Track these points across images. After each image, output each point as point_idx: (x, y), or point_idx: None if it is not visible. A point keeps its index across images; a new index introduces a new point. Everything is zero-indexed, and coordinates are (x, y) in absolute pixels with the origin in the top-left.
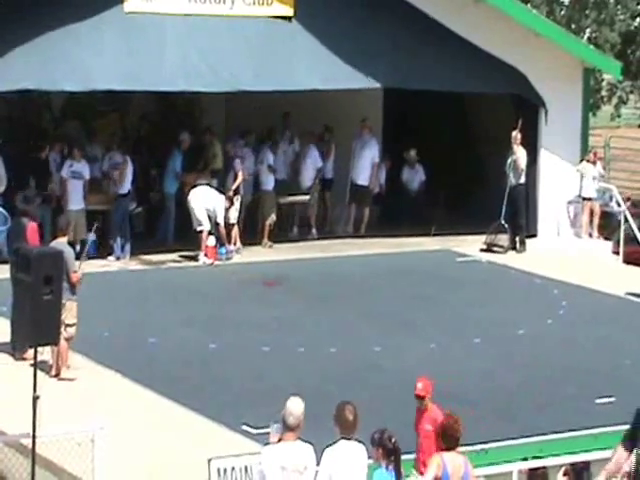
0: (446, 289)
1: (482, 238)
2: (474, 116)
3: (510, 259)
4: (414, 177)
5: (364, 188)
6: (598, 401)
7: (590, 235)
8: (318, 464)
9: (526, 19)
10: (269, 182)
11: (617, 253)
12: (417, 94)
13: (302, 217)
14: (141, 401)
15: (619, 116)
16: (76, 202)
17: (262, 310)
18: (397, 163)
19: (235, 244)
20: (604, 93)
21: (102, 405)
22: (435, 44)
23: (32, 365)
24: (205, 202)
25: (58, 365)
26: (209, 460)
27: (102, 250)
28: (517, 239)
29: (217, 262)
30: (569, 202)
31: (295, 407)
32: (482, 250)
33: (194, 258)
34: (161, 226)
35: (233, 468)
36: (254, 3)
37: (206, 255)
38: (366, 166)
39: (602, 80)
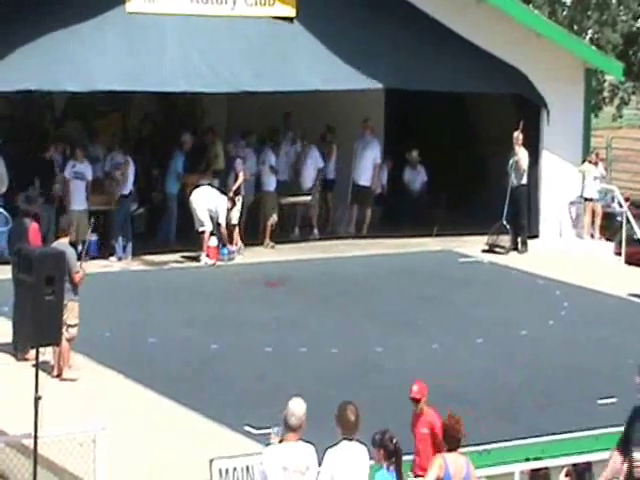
0: (448, 290)
1: (484, 239)
2: (476, 117)
3: (512, 260)
4: (416, 178)
5: (366, 189)
6: (600, 402)
7: (592, 236)
8: (320, 465)
9: (528, 19)
10: (271, 183)
11: (619, 254)
12: (419, 95)
13: (304, 218)
14: (142, 401)
15: (621, 117)
16: (78, 202)
17: (264, 310)
18: (399, 164)
19: (237, 244)
20: (606, 94)
21: (104, 405)
22: (436, 44)
23: (34, 366)
24: (207, 203)
25: (60, 365)
26: (211, 460)
27: (104, 250)
28: (519, 240)
29: (219, 262)
30: (571, 203)
31: (297, 408)
32: (484, 251)
33: (196, 259)
34: (163, 226)
35: (235, 468)
36: (256, 4)
37: (208, 255)
38: (368, 167)
39: (604, 81)
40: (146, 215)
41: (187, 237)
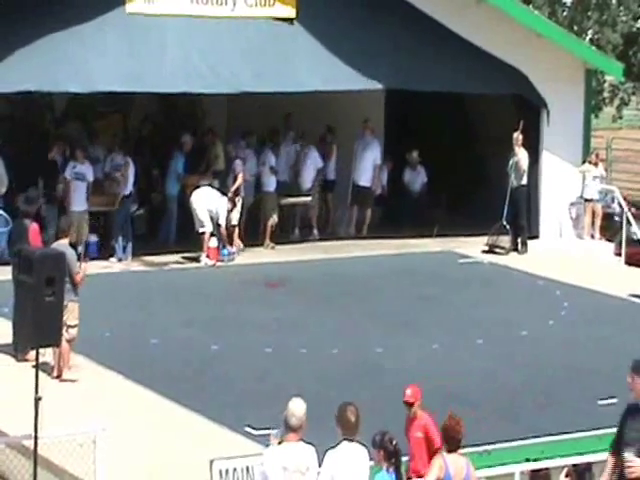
0: (448, 290)
1: (484, 239)
2: (476, 117)
3: (512, 260)
4: (416, 178)
5: (366, 189)
6: (600, 402)
7: (592, 236)
8: (320, 465)
9: (528, 20)
10: (271, 183)
11: (619, 254)
12: (419, 95)
13: (303, 218)
14: (143, 402)
15: (621, 117)
16: (79, 203)
17: (264, 311)
18: (399, 164)
19: (237, 245)
20: (606, 94)
21: (104, 406)
22: (436, 45)
23: (34, 366)
24: (207, 203)
25: (60, 366)
26: (211, 461)
27: (104, 251)
28: (519, 240)
29: (219, 263)
30: (571, 203)
31: (297, 408)
32: (484, 251)
33: (196, 259)
34: (163, 227)
35: (235, 469)
36: (256, 4)
37: (208, 256)
38: (368, 167)
39: (604, 81)
40: (146, 216)
41: (187, 238)
